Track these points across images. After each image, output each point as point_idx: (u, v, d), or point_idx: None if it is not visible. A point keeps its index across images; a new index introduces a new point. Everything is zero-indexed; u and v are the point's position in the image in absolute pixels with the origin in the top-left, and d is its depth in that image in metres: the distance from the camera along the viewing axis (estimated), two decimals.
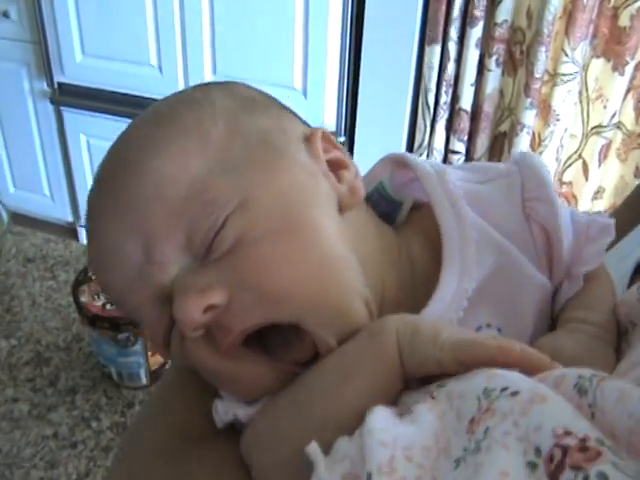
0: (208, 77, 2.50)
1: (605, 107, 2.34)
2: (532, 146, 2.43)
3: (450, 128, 2.51)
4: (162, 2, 2.46)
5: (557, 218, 0.54)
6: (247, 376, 0.49)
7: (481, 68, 2.40)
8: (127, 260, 0.48)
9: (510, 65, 2.39)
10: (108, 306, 0.99)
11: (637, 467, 0.30)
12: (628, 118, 2.37)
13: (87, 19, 2.59)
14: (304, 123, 0.58)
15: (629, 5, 2.17)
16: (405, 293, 0.53)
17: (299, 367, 0.48)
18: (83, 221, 2.88)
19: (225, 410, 0.52)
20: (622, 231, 0.66)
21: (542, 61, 2.24)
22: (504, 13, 2.28)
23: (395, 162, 0.60)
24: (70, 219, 3.18)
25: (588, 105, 2.37)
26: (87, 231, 0.53)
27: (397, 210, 0.59)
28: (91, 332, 1.02)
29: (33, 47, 2.78)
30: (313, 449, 0.40)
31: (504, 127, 2.47)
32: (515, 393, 0.35)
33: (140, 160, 0.49)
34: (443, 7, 2.30)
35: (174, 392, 0.59)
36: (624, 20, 2.20)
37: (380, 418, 0.39)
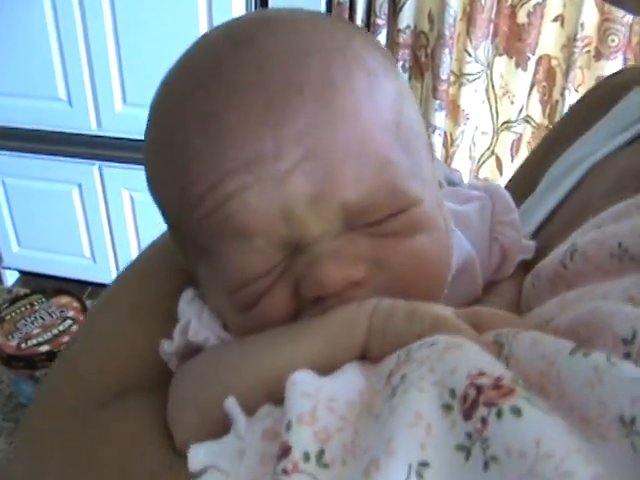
0: (119, 107, 2.48)
1: (512, 102, 2.40)
2: (445, 146, 2.47)
3: None
4: (66, 35, 2.43)
5: (519, 243, 0.59)
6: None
7: None
8: (288, 197, 0.43)
9: (417, 69, 2.43)
10: (23, 345, 0.97)
11: (549, 404, 0.31)
12: (535, 111, 2.43)
13: None
14: None
15: (526, 2, 2.23)
16: None
17: None
18: (6, 262, 2.80)
19: (196, 331, 0.49)
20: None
21: (447, 63, 2.28)
22: (406, 19, 2.33)
23: None
24: None
25: (496, 102, 2.42)
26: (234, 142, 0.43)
27: None
28: (8, 373, 1.00)
29: None
30: (231, 404, 0.39)
31: None
32: (433, 343, 0.36)
33: (346, 102, 0.43)
34: (345, 17, 2.33)
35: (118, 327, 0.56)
36: (522, 17, 2.26)
37: (305, 373, 0.38)
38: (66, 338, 0.99)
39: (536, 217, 0.66)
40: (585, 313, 0.37)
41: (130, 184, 2.63)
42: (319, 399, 0.35)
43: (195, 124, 0.44)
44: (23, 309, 1.04)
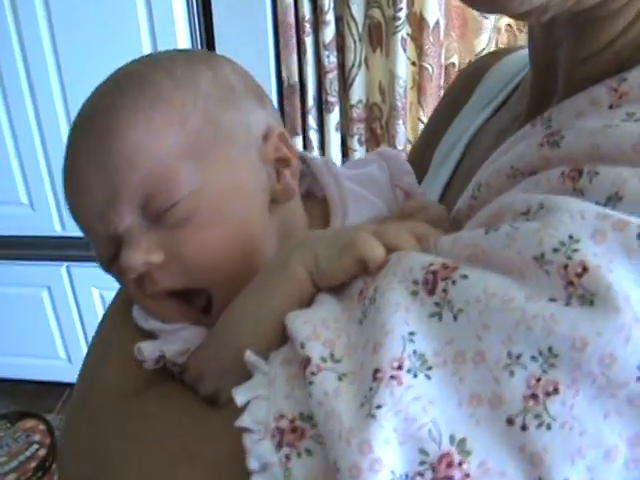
0: None
1: None
2: None
3: None
4: (23, 140, 2.44)
5: (417, 186, 0.76)
6: (161, 311, 0.61)
7: (345, 150, 2.46)
8: (93, 202, 0.59)
9: (373, 141, 2.45)
10: None
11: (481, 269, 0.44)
12: None
13: None
14: (271, 112, 0.70)
15: None
16: None
17: (201, 312, 0.62)
18: None
19: (152, 350, 0.59)
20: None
21: (402, 133, 2.31)
22: (357, 93, 2.35)
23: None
24: None
25: None
26: (67, 167, 0.62)
27: None
28: None
29: None
30: (249, 355, 0.50)
31: None
32: (388, 260, 0.48)
33: (119, 126, 0.58)
34: (297, 99, 2.36)
35: (108, 342, 0.66)
36: None
37: (294, 311, 0.51)
38: (33, 464, 0.97)
39: (434, 191, 0.80)
40: (493, 208, 0.49)
41: (99, 282, 2.61)
42: (315, 322, 0.48)
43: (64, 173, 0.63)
44: None
